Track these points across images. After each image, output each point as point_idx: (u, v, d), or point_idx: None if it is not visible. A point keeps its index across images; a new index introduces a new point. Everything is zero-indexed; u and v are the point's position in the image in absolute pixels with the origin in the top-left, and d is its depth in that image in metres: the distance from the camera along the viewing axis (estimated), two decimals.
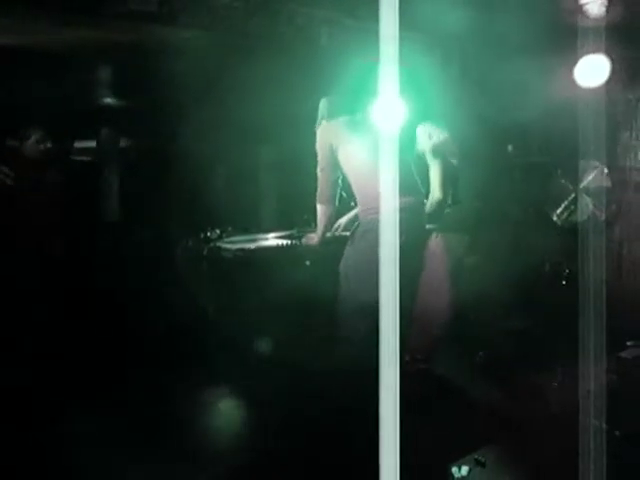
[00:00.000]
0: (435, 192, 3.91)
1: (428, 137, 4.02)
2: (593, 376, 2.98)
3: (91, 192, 5.40)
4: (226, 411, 3.55)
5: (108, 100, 6.08)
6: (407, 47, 1.83)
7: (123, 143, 5.92)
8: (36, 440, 3.07)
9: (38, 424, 3.19)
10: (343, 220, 3.74)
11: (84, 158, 5.95)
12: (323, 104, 3.48)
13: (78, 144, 5.91)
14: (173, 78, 5.02)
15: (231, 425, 3.43)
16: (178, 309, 3.84)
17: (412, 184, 3.36)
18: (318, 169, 3.36)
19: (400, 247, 2.01)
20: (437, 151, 3.97)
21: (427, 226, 3.64)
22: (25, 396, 3.33)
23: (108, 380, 3.58)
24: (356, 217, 3.58)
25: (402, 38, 1.70)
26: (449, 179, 3.97)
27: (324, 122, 3.39)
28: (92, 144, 5.91)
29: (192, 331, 3.69)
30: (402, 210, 2.96)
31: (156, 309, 4.02)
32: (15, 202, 4.42)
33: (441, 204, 3.92)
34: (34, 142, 4.60)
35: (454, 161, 4.03)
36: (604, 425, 2.78)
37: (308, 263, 3.65)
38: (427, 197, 3.81)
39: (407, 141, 3.38)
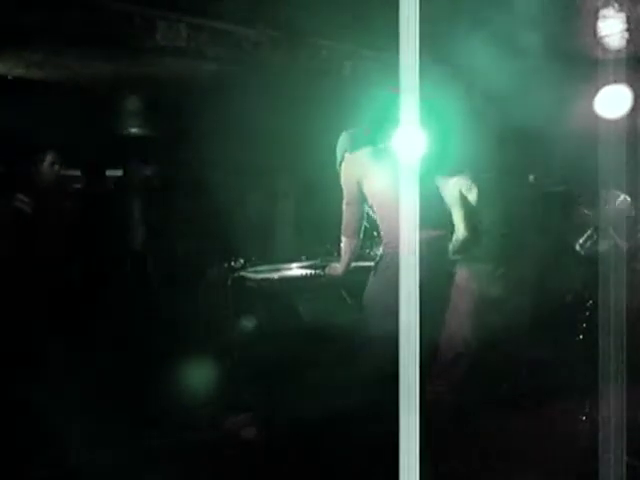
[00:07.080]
0: (460, 230, 3.89)
1: (458, 189, 3.99)
2: (613, 407, 2.97)
3: (113, 221, 5.47)
4: (252, 440, 3.57)
5: (135, 131, 6.22)
6: (428, 77, 1.87)
7: (149, 173, 6.03)
8: None
9: None
10: None
11: (108, 188, 6.06)
12: (346, 136, 3.44)
13: (103, 173, 6.03)
14: (200, 110, 5.15)
15: (254, 456, 3.44)
16: (203, 338, 3.88)
17: (438, 216, 3.36)
18: (344, 203, 3.33)
19: (427, 280, 2.02)
20: (460, 197, 3.93)
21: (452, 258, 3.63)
22: None
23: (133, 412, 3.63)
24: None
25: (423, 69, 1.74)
26: (473, 215, 3.94)
27: (348, 155, 3.36)
28: (117, 174, 6.03)
29: (218, 361, 3.73)
30: (429, 243, 3.02)
31: (180, 338, 4.06)
32: (35, 230, 4.46)
33: (466, 242, 3.90)
34: (56, 171, 4.62)
35: (475, 198, 4.00)
36: (625, 457, 2.77)
37: (333, 293, 3.68)
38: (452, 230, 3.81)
39: (432, 173, 3.33)
